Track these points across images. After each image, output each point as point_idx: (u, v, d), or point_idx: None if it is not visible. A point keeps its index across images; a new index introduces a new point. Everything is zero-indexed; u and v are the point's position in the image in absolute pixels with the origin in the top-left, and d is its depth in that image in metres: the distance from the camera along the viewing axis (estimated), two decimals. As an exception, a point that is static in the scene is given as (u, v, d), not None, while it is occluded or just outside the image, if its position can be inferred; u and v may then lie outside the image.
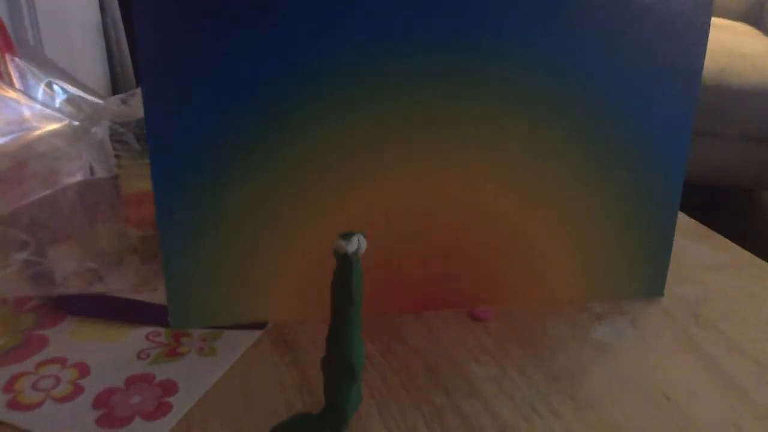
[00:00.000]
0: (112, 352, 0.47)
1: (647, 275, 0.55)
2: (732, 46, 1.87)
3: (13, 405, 0.42)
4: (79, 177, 0.53)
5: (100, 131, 0.56)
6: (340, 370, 0.39)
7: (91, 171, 0.54)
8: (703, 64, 0.49)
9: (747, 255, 0.63)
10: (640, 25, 0.47)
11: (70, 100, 0.58)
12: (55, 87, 0.59)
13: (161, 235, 0.47)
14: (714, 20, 0.49)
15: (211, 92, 0.45)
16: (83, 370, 0.45)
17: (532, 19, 0.46)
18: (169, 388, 0.44)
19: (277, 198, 0.48)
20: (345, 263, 0.36)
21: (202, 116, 0.45)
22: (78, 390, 0.44)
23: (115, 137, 0.58)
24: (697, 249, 0.63)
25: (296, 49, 0.45)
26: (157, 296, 0.52)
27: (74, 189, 0.52)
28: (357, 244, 0.36)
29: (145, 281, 0.53)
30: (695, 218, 0.67)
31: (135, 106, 0.60)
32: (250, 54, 0.44)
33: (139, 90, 0.63)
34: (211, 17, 0.43)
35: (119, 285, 0.53)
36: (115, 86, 1.76)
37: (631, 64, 0.48)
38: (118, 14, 1.74)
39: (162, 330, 0.49)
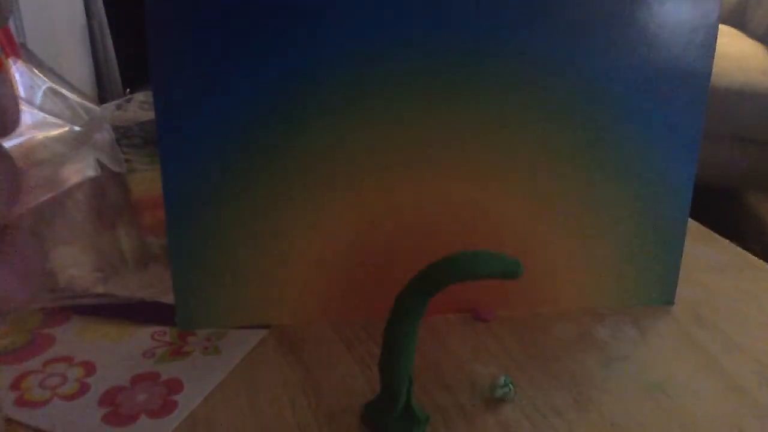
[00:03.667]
0: (118, 351, 0.48)
1: (657, 283, 0.54)
2: (717, 48, 1.87)
3: (21, 403, 0.43)
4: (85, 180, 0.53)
5: (105, 135, 0.56)
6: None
7: (102, 170, 0.54)
8: (711, 69, 0.49)
9: (748, 256, 0.63)
10: (648, 31, 0.47)
11: (69, 105, 0.58)
12: (55, 92, 0.59)
13: (169, 237, 0.48)
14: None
15: (220, 98, 0.45)
16: (89, 368, 0.46)
17: (539, 24, 0.46)
18: (174, 386, 0.44)
19: (282, 202, 0.48)
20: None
21: (211, 122, 0.46)
22: (84, 388, 0.44)
23: (123, 141, 0.59)
24: (699, 250, 0.63)
25: (304, 55, 0.45)
26: (158, 297, 0.53)
27: (83, 189, 0.52)
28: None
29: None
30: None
31: (132, 111, 0.60)
32: (258, 61, 0.45)
33: (133, 96, 0.63)
34: (221, 24, 0.44)
35: (126, 290, 0.53)
36: (101, 89, 1.76)
37: (638, 70, 0.48)
38: (104, 17, 1.74)
39: (167, 329, 0.50)
